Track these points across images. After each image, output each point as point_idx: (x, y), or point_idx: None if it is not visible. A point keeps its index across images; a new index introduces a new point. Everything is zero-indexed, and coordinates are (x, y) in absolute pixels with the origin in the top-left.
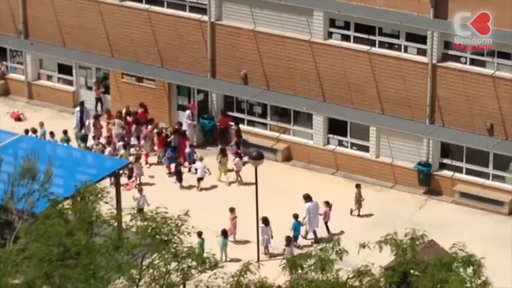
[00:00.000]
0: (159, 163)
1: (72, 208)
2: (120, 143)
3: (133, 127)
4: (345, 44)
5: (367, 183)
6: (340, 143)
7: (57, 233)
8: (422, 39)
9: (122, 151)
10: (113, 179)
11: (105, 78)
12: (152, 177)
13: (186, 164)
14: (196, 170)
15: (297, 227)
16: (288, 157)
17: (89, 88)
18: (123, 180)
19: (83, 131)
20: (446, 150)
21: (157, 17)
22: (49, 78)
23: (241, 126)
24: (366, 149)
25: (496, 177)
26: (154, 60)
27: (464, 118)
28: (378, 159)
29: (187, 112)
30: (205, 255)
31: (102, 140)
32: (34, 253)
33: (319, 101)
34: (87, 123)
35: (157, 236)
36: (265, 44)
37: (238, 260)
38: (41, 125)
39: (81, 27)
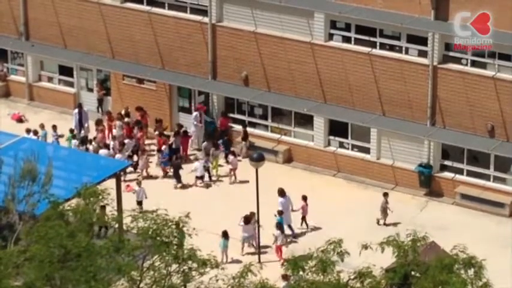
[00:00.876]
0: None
1: (72, 210)
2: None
3: (135, 130)
4: (345, 45)
5: (368, 184)
6: (341, 145)
7: (57, 235)
8: (423, 41)
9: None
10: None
11: (106, 79)
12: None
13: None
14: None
15: (282, 222)
16: (288, 159)
17: (90, 90)
18: (131, 175)
19: (82, 133)
20: (447, 151)
21: (158, 19)
22: (50, 80)
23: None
24: (366, 150)
25: (496, 179)
26: (155, 62)
27: (465, 120)
28: (379, 160)
29: (195, 113)
30: (206, 256)
31: (110, 142)
32: (35, 255)
33: (320, 102)
34: (86, 125)
35: (158, 238)
36: (266, 45)
37: (239, 262)
38: (42, 126)
39: (82, 29)
